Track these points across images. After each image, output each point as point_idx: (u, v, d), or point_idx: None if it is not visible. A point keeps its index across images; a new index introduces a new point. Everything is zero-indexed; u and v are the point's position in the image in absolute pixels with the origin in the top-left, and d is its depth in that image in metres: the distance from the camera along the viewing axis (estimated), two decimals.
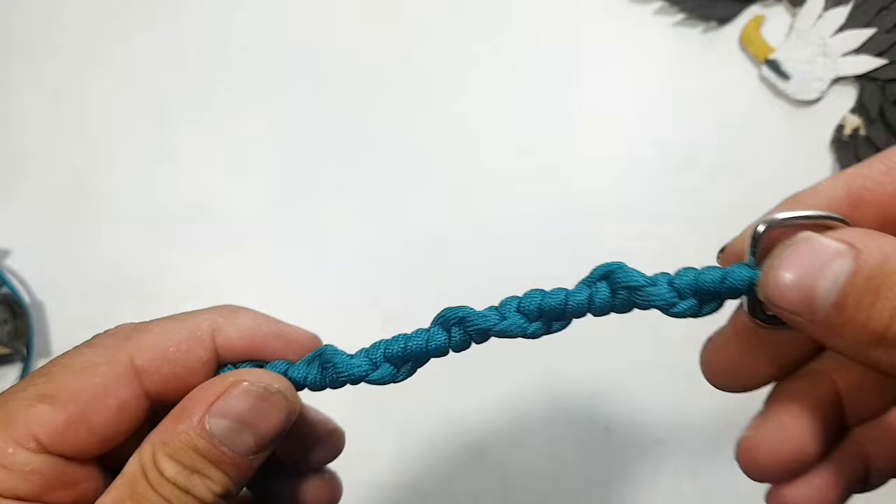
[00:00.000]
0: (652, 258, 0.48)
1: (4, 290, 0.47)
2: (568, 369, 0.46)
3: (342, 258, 0.48)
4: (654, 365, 0.46)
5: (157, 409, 0.23)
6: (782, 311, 0.19)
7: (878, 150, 0.48)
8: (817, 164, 0.49)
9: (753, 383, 0.23)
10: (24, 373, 0.46)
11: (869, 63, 0.49)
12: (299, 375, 0.24)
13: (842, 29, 0.50)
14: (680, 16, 0.51)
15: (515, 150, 0.50)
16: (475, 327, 0.22)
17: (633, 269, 0.22)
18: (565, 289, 0.22)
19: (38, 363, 0.46)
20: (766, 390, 0.25)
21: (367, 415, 0.45)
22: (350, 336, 0.48)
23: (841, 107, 0.50)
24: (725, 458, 0.45)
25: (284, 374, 0.24)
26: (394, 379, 0.23)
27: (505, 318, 0.22)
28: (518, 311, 0.22)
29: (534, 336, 0.23)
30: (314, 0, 0.53)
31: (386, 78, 0.51)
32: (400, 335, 0.23)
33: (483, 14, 0.52)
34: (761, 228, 0.21)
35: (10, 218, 0.49)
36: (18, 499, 0.20)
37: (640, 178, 0.49)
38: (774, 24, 0.51)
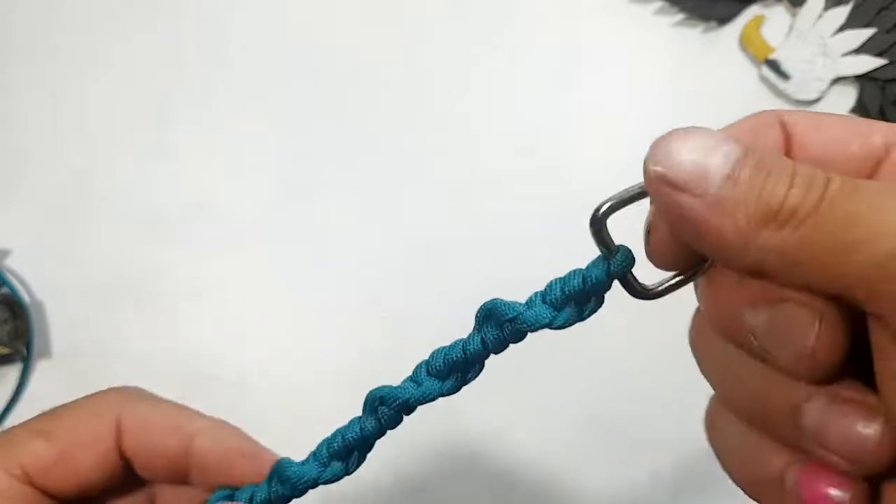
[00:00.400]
0: None
1: (4, 290, 0.47)
2: (568, 369, 0.46)
3: (342, 258, 0.48)
4: (653, 364, 0.46)
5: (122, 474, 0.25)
6: (670, 193, 0.19)
7: None
8: None
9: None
10: (24, 373, 0.46)
11: (869, 63, 0.49)
12: (264, 497, 0.24)
13: (842, 29, 0.50)
14: (680, 16, 0.51)
15: (515, 150, 0.50)
16: (396, 402, 0.23)
17: (508, 302, 0.22)
18: (461, 339, 0.23)
19: (38, 363, 0.47)
20: None
21: None
22: (350, 336, 0.48)
23: (841, 107, 0.50)
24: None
25: (250, 499, 0.24)
26: (346, 472, 0.24)
27: (420, 385, 0.23)
28: (428, 374, 0.23)
29: (451, 393, 0.24)
30: (314, 0, 0.53)
31: (386, 78, 0.51)
32: (337, 430, 0.24)
33: (483, 14, 0.52)
34: (603, 209, 0.21)
35: (10, 218, 0.49)
36: None
37: (638, 178, 0.49)
38: (774, 24, 0.51)
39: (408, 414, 0.24)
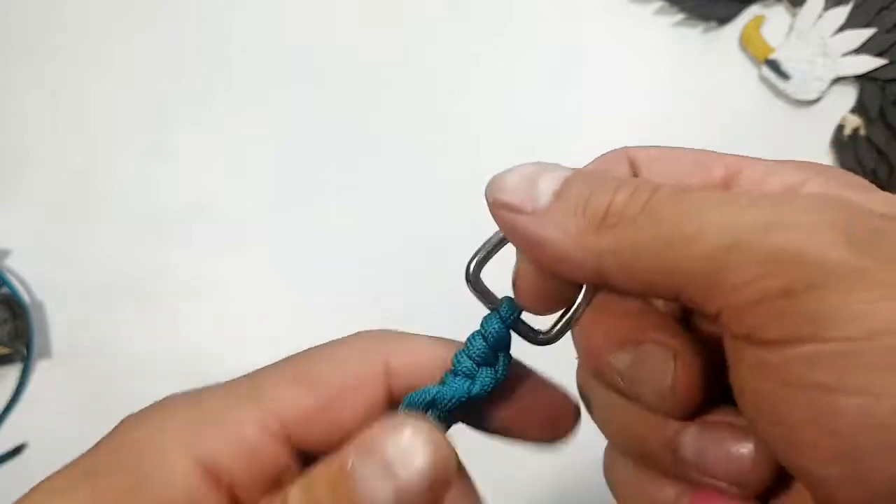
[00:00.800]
0: None
1: (4, 290, 0.47)
2: (567, 370, 0.46)
3: (342, 258, 0.48)
4: None
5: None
6: (506, 216, 0.20)
7: (878, 149, 0.48)
8: None
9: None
10: (25, 373, 0.46)
11: (869, 63, 0.49)
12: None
13: (842, 29, 0.50)
14: (680, 16, 0.51)
15: (515, 150, 0.50)
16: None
17: (424, 389, 0.21)
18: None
19: (38, 363, 0.47)
20: None
21: None
22: None
23: (841, 107, 0.50)
24: None
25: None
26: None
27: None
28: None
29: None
30: (314, 0, 0.53)
31: (386, 78, 0.51)
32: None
33: (483, 14, 0.52)
34: (472, 267, 0.22)
35: (11, 218, 0.49)
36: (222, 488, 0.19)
37: None
38: (774, 24, 0.51)
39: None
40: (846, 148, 0.49)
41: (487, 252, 0.22)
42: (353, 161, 0.50)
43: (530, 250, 0.20)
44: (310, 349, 0.21)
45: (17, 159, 0.50)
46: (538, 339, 0.22)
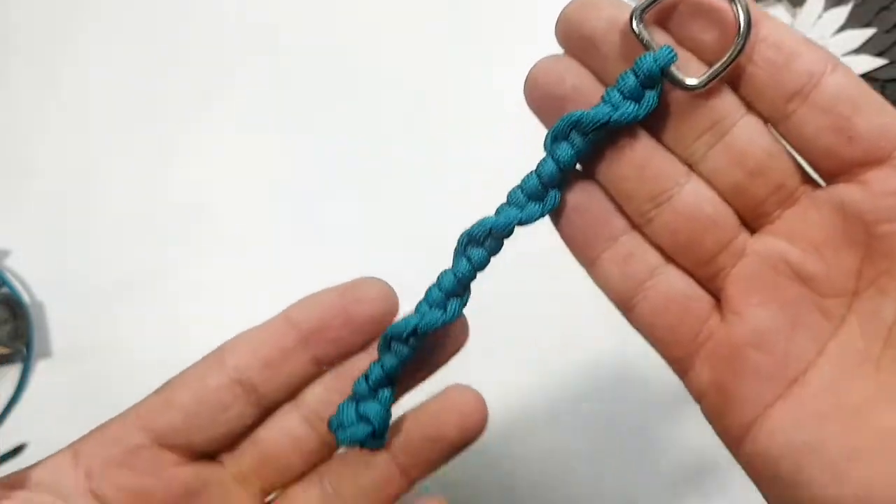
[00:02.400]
0: None
1: (4, 290, 0.47)
2: (567, 369, 0.46)
3: (342, 258, 0.48)
4: (653, 363, 0.46)
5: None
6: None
7: None
8: None
9: None
10: (24, 373, 0.46)
11: (869, 63, 0.50)
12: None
13: (842, 29, 0.50)
14: None
15: (515, 150, 0.50)
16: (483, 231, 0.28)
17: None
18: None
19: (38, 363, 0.47)
20: None
21: None
22: None
23: None
24: (722, 455, 0.45)
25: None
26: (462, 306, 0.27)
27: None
28: (439, 290, 0.28)
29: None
30: (315, 1, 0.53)
31: (386, 78, 0.51)
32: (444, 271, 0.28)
33: (483, 14, 0.52)
34: (641, 8, 0.23)
35: (11, 218, 0.49)
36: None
37: None
38: None
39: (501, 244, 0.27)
40: None
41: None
42: (354, 161, 0.50)
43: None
44: (236, 336, 0.28)
45: (18, 159, 0.50)
46: (686, 85, 0.23)
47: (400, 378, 0.26)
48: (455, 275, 0.27)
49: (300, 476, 0.26)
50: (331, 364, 0.26)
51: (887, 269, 0.20)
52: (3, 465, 0.45)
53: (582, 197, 0.25)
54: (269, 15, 0.52)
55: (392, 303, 0.28)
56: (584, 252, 0.25)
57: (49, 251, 0.48)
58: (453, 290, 0.27)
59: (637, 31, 0.23)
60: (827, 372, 0.21)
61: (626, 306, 0.25)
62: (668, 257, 0.24)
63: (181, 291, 0.48)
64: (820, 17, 0.50)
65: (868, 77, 0.49)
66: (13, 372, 0.46)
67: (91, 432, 0.25)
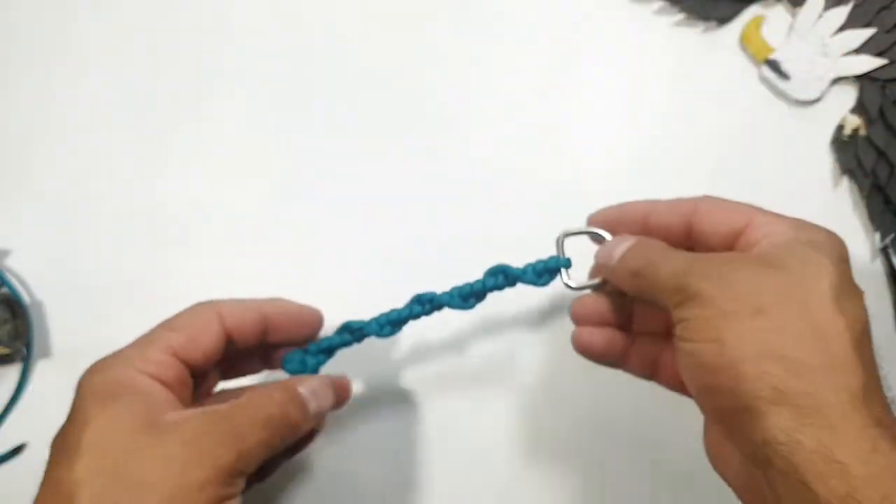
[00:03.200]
0: None
1: (4, 289, 0.47)
2: (567, 368, 0.46)
3: (342, 258, 0.48)
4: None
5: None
6: (598, 266, 0.37)
7: (878, 149, 0.48)
8: (817, 164, 0.49)
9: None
10: (24, 373, 0.46)
11: (869, 63, 0.50)
12: (335, 342, 0.40)
13: (842, 29, 0.50)
14: (680, 16, 0.51)
15: (514, 151, 0.50)
16: (430, 300, 0.40)
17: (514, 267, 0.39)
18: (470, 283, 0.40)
19: (38, 363, 0.47)
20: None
21: (368, 412, 0.45)
22: None
23: (841, 107, 0.50)
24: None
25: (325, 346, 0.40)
26: (392, 333, 0.40)
27: (450, 295, 0.39)
28: (455, 295, 0.39)
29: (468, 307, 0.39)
30: (315, 1, 0.53)
31: (386, 78, 0.51)
32: (391, 310, 0.39)
33: (483, 15, 0.52)
34: (560, 238, 0.39)
35: (11, 218, 0.49)
36: (162, 382, 0.32)
37: (639, 179, 0.49)
38: (774, 24, 0.51)
39: (437, 310, 0.39)
40: (846, 148, 0.49)
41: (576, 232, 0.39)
42: (354, 161, 0.50)
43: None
44: (174, 316, 0.36)
45: (18, 159, 0.50)
46: (565, 284, 0.38)
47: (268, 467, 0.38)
48: (400, 314, 0.39)
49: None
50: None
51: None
52: (3, 465, 0.45)
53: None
54: (270, 15, 0.52)
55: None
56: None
57: (49, 251, 0.48)
58: (394, 321, 0.39)
59: (557, 245, 0.39)
60: None
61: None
62: None
63: (181, 291, 0.48)
64: (820, 16, 0.50)
65: (868, 77, 0.50)
66: (13, 372, 0.46)
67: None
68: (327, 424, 0.40)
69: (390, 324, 0.39)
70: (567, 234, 0.39)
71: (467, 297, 0.39)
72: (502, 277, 0.39)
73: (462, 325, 0.46)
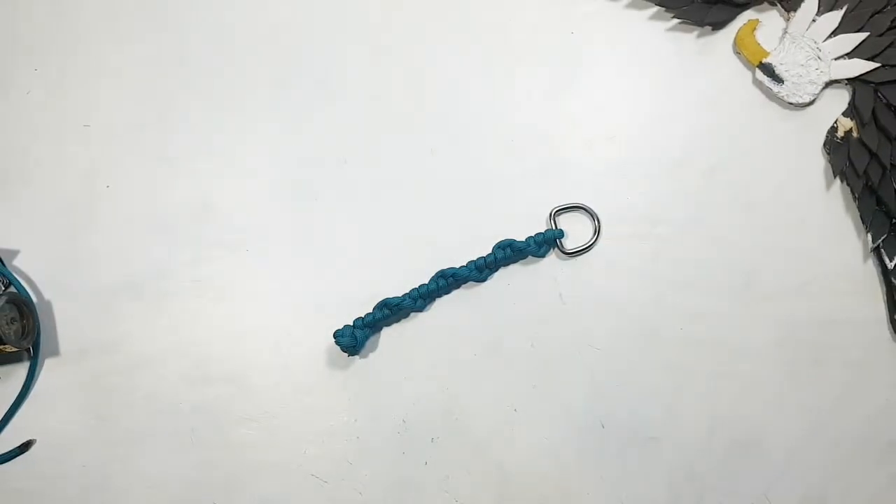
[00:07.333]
0: (648, 258, 0.48)
1: (12, 289, 0.47)
2: (566, 368, 0.46)
3: (343, 258, 0.49)
4: (649, 364, 0.46)
5: None
6: None
7: (870, 151, 0.49)
8: (810, 166, 0.49)
9: None
10: (32, 371, 0.47)
11: (862, 66, 0.50)
12: (372, 318, 0.46)
13: (835, 33, 0.50)
14: (675, 21, 0.52)
15: (512, 153, 0.50)
16: (451, 275, 0.46)
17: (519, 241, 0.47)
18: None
19: (46, 362, 0.47)
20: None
21: (368, 412, 0.46)
22: None
23: (834, 110, 0.50)
24: (718, 453, 0.46)
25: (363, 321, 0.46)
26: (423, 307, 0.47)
27: (468, 268, 0.46)
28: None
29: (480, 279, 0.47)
30: (316, 2, 0.53)
31: (386, 79, 0.52)
32: (416, 287, 0.47)
33: (481, 19, 0.52)
34: (552, 213, 0.47)
35: (19, 218, 0.49)
36: None
37: (635, 181, 0.49)
38: (768, 29, 0.51)
39: (459, 284, 0.47)
40: (839, 150, 0.49)
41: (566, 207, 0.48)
42: (355, 162, 0.50)
43: None
44: None
45: (25, 160, 0.51)
46: (562, 250, 0.47)
47: None
48: (428, 287, 0.46)
49: None
50: None
51: None
52: (12, 462, 0.45)
53: None
54: (273, 18, 0.53)
55: None
56: None
57: (57, 251, 0.49)
58: (424, 294, 0.46)
59: (550, 219, 0.47)
60: None
61: None
62: None
63: (187, 291, 0.48)
64: (813, 21, 0.51)
65: (861, 80, 0.50)
66: (21, 370, 0.47)
67: None
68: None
69: (421, 297, 0.46)
70: (557, 210, 0.47)
71: (482, 268, 0.46)
72: (510, 250, 0.46)
73: (454, 321, 0.46)
